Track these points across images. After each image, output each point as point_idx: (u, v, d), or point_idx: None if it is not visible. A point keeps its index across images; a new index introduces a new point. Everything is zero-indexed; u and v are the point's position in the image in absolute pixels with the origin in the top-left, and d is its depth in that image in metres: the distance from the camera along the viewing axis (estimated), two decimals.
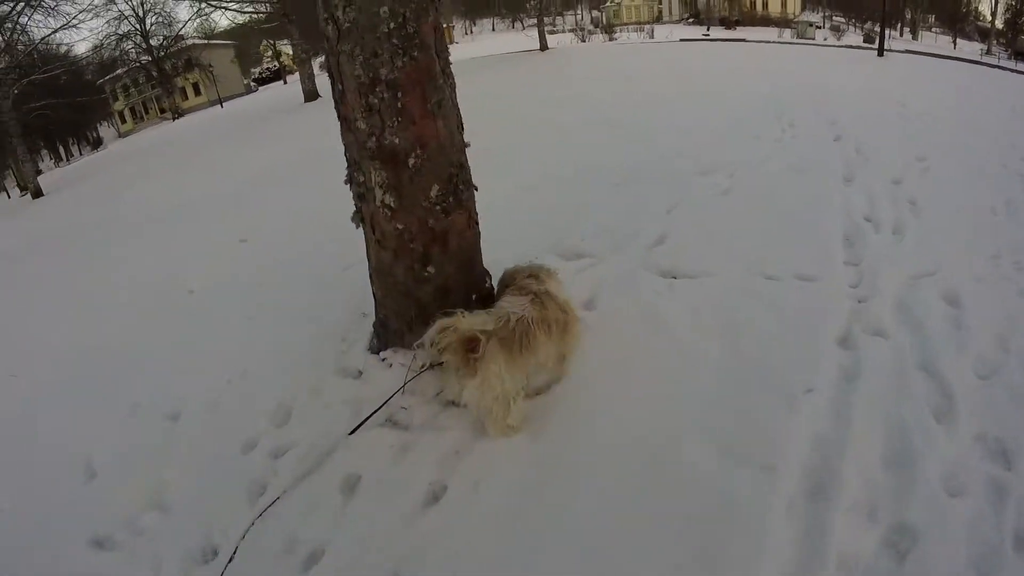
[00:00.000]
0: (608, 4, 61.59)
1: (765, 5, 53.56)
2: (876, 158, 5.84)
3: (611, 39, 36.70)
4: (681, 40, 33.12)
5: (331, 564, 2.21)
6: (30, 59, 25.04)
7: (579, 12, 65.39)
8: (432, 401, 2.80)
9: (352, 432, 2.70)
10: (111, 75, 51.27)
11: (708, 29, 44.49)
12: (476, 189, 2.98)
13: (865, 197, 4.76)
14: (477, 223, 2.99)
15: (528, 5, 68.38)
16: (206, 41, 49.75)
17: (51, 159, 49.93)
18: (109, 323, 5.00)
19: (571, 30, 40.86)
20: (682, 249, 4.06)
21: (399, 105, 2.46)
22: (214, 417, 3.22)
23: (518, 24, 69.09)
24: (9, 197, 27.80)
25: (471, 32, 71.50)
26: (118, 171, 19.37)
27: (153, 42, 45.49)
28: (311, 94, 22.53)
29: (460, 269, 2.85)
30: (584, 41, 35.96)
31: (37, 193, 20.15)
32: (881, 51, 22.49)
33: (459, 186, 2.72)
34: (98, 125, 56.45)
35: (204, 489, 2.72)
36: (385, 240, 2.75)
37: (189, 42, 48.22)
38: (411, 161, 2.54)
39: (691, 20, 53.78)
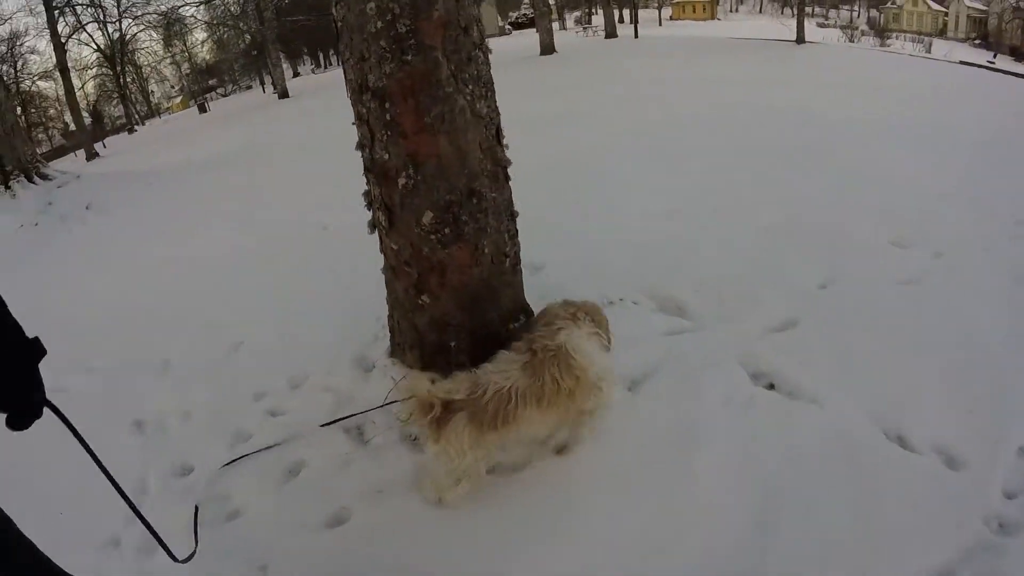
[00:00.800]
0: (888, 5, 53.25)
1: None
2: None
3: (882, 45, 31.53)
4: (960, 62, 27.78)
5: (233, 530, 2.30)
6: None
7: (855, 8, 57.37)
8: (395, 428, 2.61)
9: (323, 425, 2.74)
10: None
11: (995, 56, 36.77)
12: (515, 215, 2.56)
13: None
14: (504, 259, 2.52)
15: None
16: None
17: (311, 64, 56.43)
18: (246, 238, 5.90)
19: (843, 27, 35.68)
20: (806, 348, 2.96)
21: (387, 117, 2.11)
22: (257, 358, 3.51)
23: (787, 9, 62.89)
24: (264, 92, 31.91)
25: (736, 10, 66.20)
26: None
27: None
28: (547, 48, 22.57)
29: (462, 307, 2.43)
30: (852, 41, 31.36)
31: (284, 95, 23.66)
32: None
33: (462, 217, 2.24)
34: None
35: (214, 416, 3.04)
36: (387, 255, 2.54)
37: None
38: (401, 181, 2.20)
39: (977, 42, 44.80)
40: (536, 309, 2.68)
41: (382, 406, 2.57)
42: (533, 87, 14.11)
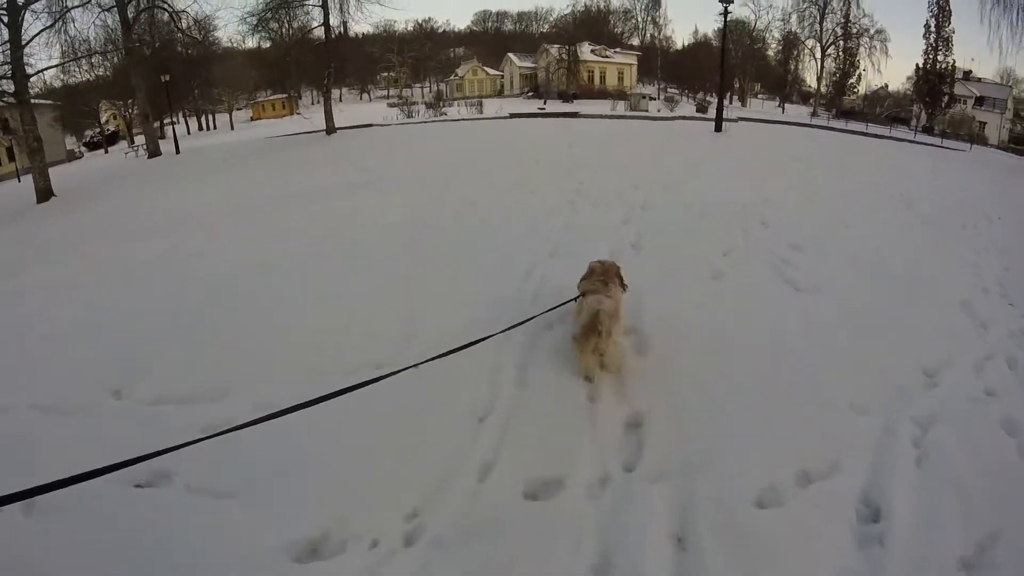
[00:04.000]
0: (452, 77, 58.22)
1: (603, 79, 52.84)
2: None
3: (439, 114, 31.60)
4: (511, 115, 28.74)
5: None
6: None
7: (428, 84, 61.30)
8: None
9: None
10: None
11: (545, 102, 41.58)
12: None
13: None
14: None
15: (379, 77, 64.90)
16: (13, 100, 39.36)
17: None
18: None
19: (400, 104, 35.42)
20: None
21: None
22: None
23: (365, 95, 64.66)
24: None
25: (317, 102, 65.08)
26: None
27: None
28: (44, 193, 15.84)
29: None
30: (409, 116, 30.64)
31: None
32: (719, 126, 18.79)
33: None
34: None
35: None
36: None
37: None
38: None
39: (531, 94, 51.90)
40: None
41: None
42: None
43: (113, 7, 20.48)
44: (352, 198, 9.11)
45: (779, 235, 6.23)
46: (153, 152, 24.52)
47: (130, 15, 21.44)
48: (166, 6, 24.09)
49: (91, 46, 23.42)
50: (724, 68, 20.31)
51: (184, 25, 27.36)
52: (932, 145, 28.16)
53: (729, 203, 7.77)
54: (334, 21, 20.90)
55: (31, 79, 16.96)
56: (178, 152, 24.89)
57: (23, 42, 15.89)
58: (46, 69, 17.82)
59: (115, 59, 26.74)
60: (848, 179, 11.22)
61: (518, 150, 14.12)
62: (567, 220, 6.71)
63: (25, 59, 16.68)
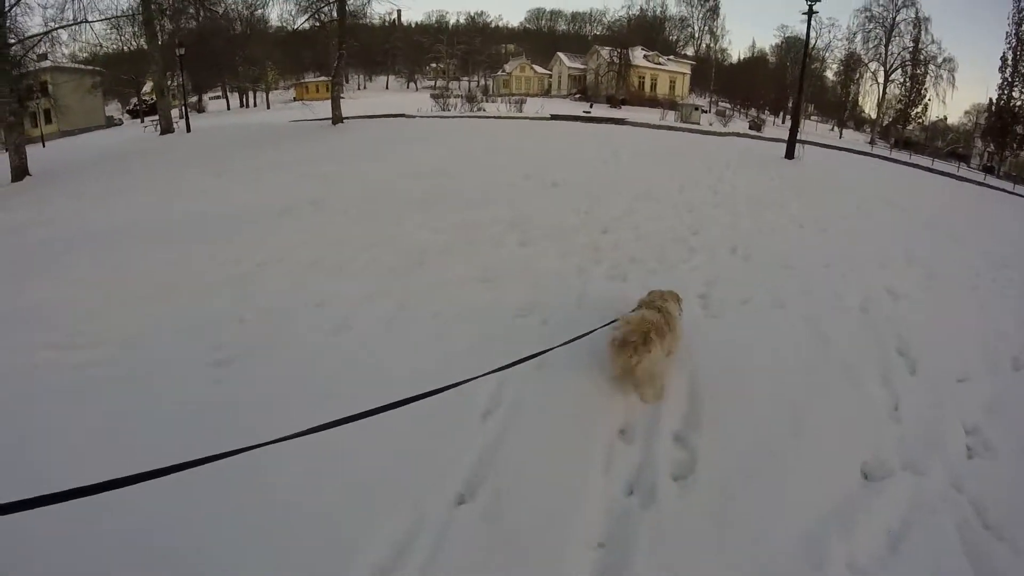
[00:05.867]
0: (499, 73, 55.36)
1: (654, 86, 49.49)
2: None
3: (476, 109, 28.81)
4: (552, 116, 25.78)
5: None
6: None
7: (475, 78, 58.59)
8: None
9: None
10: None
11: (591, 106, 38.44)
12: None
13: None
14: None
15: (427, 67, 62.42)
16: (55, 64, 37.77)
17: None
18: None
19: (436, 96, 32.64)
20: None
21: None
22: None
23: (411, 84, 62.49)
24: None
25: (364, 87, 63.05)
26: None
27: None
28: (18, 172, 14.03)
29: None
30: (445, 110, 27.93)
31: None
32: (791, 152, 15.50)
33: None
34: None
35: None
36: None
37: (43, 64, 36.09)
38: None
39: (578, 96, 48.69)
40: None
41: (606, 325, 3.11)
42: None
43: None
44: (260, 231, 6.44)
45: (944, 402, 3.21)
46: (166, 129, 22.94)
47: None
48: None
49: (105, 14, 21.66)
50: (803, 82, 16.83)
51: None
52: (1005, 191, 24.01)
53: (838, 295, 4.70)
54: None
55: (14, 47, 15.02)
56: (188, 131, 23.05)
57: (6, 8, 14.28)
58: (29, 38, 15.78)
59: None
60: (964, 245, 7.94)
61: (541, 163, 11.14)
62: (559, 323, 3.77)
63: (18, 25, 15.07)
